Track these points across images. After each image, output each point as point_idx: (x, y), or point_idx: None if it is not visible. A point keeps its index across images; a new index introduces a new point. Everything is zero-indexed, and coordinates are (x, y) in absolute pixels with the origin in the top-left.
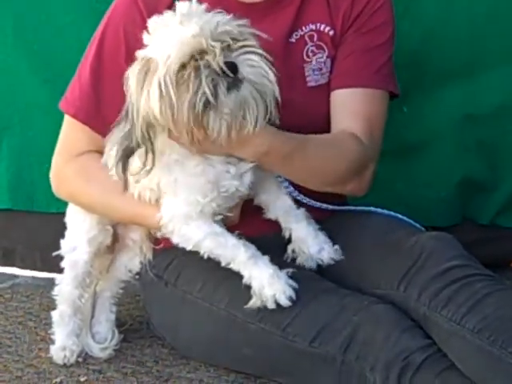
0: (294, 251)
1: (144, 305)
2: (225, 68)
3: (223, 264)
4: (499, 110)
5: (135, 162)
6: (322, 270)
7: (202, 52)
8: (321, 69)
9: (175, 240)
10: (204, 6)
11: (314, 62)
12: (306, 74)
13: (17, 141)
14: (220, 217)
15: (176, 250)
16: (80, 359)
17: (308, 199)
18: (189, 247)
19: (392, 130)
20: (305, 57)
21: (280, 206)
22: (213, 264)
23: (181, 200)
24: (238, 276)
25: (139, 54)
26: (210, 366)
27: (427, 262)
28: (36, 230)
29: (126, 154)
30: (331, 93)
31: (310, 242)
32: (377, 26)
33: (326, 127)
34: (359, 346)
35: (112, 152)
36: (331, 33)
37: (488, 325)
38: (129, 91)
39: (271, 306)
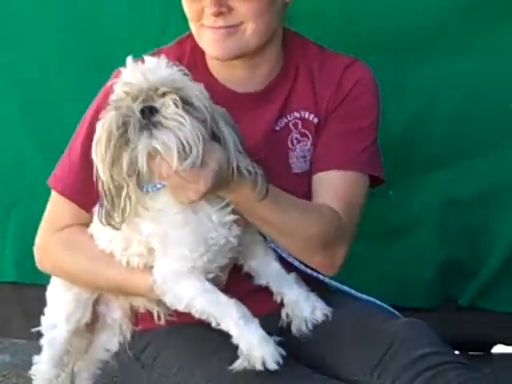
0: (287, 316)
1: None
2: (136, 111)
3: (213, 324)
4: (482, 195)
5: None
6: (298, 353)
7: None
8: (305, 156)
9: (167, 300)
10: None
11: (298, 150)
12: (291, 161)
13: (24, 216)
14: (212, 275)
15: (154, 332)
16: None
17: (298, 262)
18: (181, 307)
19: (378, 213)
20: (289, 144)
21: (270, 272)
22: (190, 348)
23: (170, 257)
24: (215, 360)
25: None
26: None
27: (399, 349)
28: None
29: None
30: (312, 177)
31: (302, 305)
32: (360, 109)
33: None
34: None
35: (96, 221)
36: (315, 120)
37: None
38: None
39: (258, 367)
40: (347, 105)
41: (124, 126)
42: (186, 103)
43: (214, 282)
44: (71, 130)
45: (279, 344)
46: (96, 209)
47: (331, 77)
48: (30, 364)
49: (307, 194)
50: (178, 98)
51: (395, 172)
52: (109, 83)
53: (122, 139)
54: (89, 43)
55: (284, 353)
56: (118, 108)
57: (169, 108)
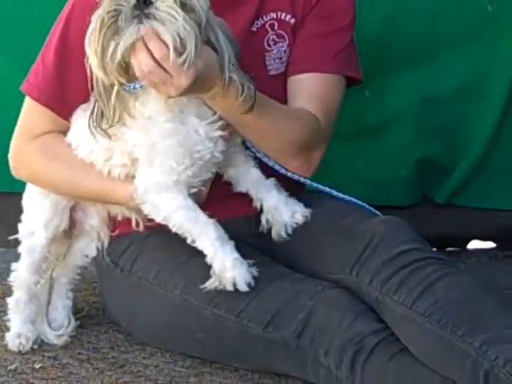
0: (267, 221)
1: (100, 291)
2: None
3: (189, 240)
4: (458, 92)
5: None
6: (275, 255)
7: None
8: (281, 57)
9: (146, 210)
10: None
11: (275, 51)
12: (267, 62)
13: None
14: (194, 190)
15: (132, 237)
16: (35, 346)
17: (278, 166)
18: (159, 219)
19: (354, 113)
20: (266, 46)
21: (249, 178)
22: (169, 250)
23: (156, 169)
24: (194, 263)
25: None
26: (165, 352)
27: (378, 246)
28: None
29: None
30: (288, 78)
31: (282, 210)
32: (336, 10)
33: None
34: (313, 331)
35: (75, 130)
36: (292, 21)
37: (438, 309)
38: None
39: (229, 288)
40: (323, 5)
41: (116, 14)
42: (183, 3)
43: (196, 195)
44: (45, 34)
45: (256, 252)
46: (75, 115)
47: None
48: (8, 271)
49: (282, 97)
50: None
51: (370, 72)
52: None
53: (112, 28)
54: None
55: (256, 274)
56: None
57: (164, 1)
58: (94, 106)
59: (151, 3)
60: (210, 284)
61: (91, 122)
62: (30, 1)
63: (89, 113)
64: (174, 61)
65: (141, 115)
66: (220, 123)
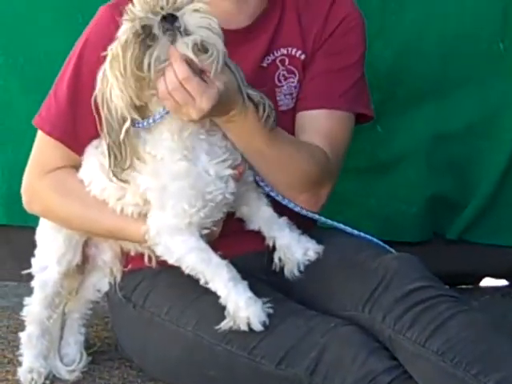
0: (280, 259)
1: (112, 326)
2: (163, 14)
3: (202, 282)
4: (469, 128)
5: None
6: (288, 291)
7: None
8: (291, 93)
9: (159, 251)
10: None
11: (285, 87)
12: (278, 98)
13: (11, 158)
14: (206, 231)
15: (144, 272)
16: (47, 382)
17: (288, 201)
18: (171, 260)
19: (366, 148)
20: (276, 81)
21: (262, 217)
22: (181, 287)
23: (168, 212)
24: (206, 300)
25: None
26: None
27: (391, 283)
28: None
29: (113, 158)
30: (297, 114)
31: (294, 248)
32: (347, 47)
33: None
34: (326, 368)
35: (87, 167)
36: (302, 57)
37: (451, 347)
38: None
39: (243, 328)
40: (334, 41)
41: (144, 31)
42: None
43: (208, 235)
44: (57, 69)
45: (269, 289)
46: (87, 152)
47: (318, 11)
48: (20, 306)
49: (292, 132)
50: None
51: (382, 107)
52: (95, 19)
53: (141, 45)
54: None
55: (271, 311)
56: (132, 20)
57: (191, 15)
58: (109, 153)
59: (176, 17)
60: (225, 324)
61: (109, 170)
62: (44, 34)
63: (104, 159)
64: (197, 82)
65: (150, 158)
66: (230, 161)
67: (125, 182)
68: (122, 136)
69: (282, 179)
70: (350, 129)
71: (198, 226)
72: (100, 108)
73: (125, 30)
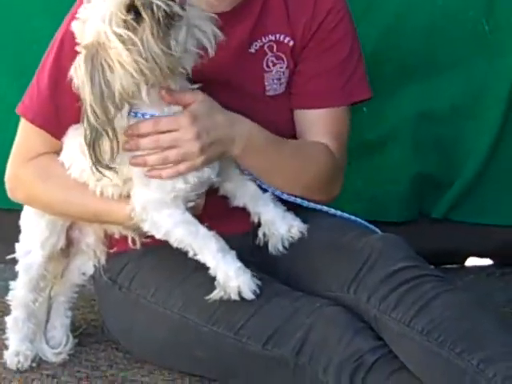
0: (264, 235)
1: (98, 309)
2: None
3: (190, 254)
4: (454, 108)
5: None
6: (274, 272)
7: None
8: (280, 78)
9: (146, 227)
10: None
11: (273, 72)
12: (266, 83)
13: None
14: (192, 204)
15: (129, 254)
16: (34, 364)
17: (271, 187)
18: (159, 235)
19: (352, 130)
20: (265, 67)
21: (246, 193)
22: (167, 268)
23: (153, 187)
24: (192, 281)
25: (80, 46)
26: (164, 370)
27: (376, 264)
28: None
29: (92, 145)
30: (297, 111)
31: (279, 223)
32: (338, 40)
33: (286, 135)
34: (312, 349)
35: (67, 150)
36: (291, 43)
37: (436, 326)
38: (79, 84)
39: (234, 297)
40: (324, 36)
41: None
42: None
43: (193, 208)
44: (38, 49)
45: (255, 269)
46: (67, 135)
47: (304, 1)
48: (6, 289)
49: (281, 115)
50: None
51: None
52: (75, 8)
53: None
54: None
55: (259, 282)
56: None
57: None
58: (90, 140)
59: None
60: (215, 295)
61: (91, 162)
62: (29, 20)
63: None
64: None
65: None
66: None
67: (114, 171)
68: (124, 122)
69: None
70: (350, 118)
71: (184, 199)
72: (84, 98)
73: (116, 10)
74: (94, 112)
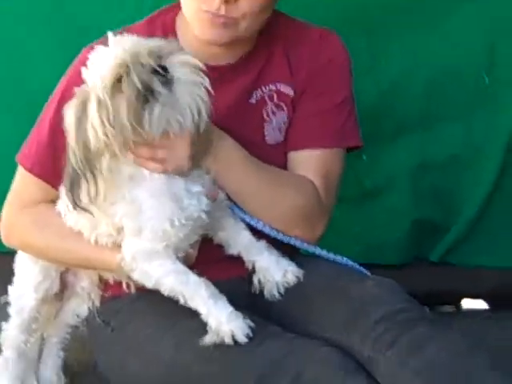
0: (259, 282)
1: (91, 349)
2: (155, 67)
3: (181, 301)
4: (453, 159)
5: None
6: (267, 313)
7: (135, 63)
8: (280, 128)
9: (136, 277)
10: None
11: (274, 122)
12: (266, 133)
13: None
14: (182, 254)
15: (124, 298)
16: None
17: (268, 227)
18: (149, 285)
19: (352, 177)
20: (265, 116)
21: (240, 241)
22: (158, 315)
23: (145, 236)
24: (186, 323)
25: (76, 89)
26: None
27: (371, 307)
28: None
29: (72, 187)
30: (288, 153)
31: (273, 269)
32: (336, 85)
33: None
34: None
35: (63, 198)
36: (291, 93)
37: (429, 368)
38: (67, 124)
39: (228, 341)
40: (322, 81)
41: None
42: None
43: (185, 258)
44: (34, 77)
45: (249, 312)
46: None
47: (306, 50)
48: None
49: (281, 166)
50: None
51: (368, 136)
52: (79, 60)
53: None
54: (62, 18)
55: (253, 324)
56: (128, 73)
57: (181, 67)
58: (70, 181)
59: (167, 70)
60: (209, 339)
61: (68, 199)
62: (34, 63)
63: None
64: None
65: (121, 175)
66: (201, 181)
67: (89, 212)
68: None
69: (274, 216)
70: (342, 163)
71: (175, 249)
72: (68, 139)
73: (106, 73)
74: (75, 154)
